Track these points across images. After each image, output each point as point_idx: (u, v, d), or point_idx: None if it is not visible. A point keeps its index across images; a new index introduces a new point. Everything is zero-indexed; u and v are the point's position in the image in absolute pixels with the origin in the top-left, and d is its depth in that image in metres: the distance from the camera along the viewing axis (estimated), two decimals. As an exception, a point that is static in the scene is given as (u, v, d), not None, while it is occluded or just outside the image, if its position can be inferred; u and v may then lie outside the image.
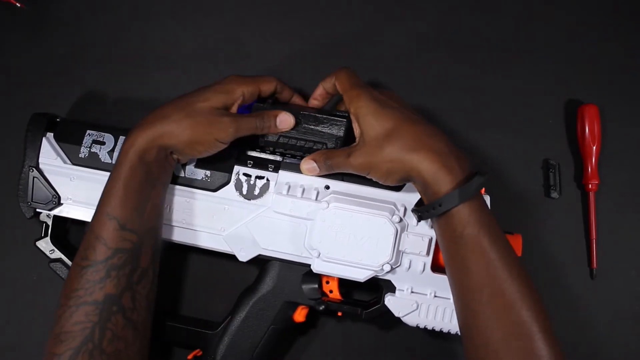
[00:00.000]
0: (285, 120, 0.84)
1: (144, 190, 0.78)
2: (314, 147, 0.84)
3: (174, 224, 0.86)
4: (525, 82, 0.99)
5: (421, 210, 0.76)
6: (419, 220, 0.80)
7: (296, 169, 0.84)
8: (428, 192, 0.75)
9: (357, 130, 0.79)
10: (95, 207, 0.79)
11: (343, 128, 0.83)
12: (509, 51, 1.00)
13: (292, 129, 0.84)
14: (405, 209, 0.83)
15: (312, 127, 0.84)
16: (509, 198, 0.96)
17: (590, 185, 0.95)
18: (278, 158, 0.87)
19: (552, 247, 0.96)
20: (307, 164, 0.83)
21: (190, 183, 0.85)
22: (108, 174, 0.79)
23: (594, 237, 0.95)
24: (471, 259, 0.73)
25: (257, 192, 0.85)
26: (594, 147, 0.95)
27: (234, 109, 0.82)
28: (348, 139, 0.83)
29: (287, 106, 0.86)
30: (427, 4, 1.01)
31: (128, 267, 0.76)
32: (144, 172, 0.78)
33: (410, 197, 0.83)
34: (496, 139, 0.98)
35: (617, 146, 0.98)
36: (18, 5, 1.00)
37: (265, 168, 0.85)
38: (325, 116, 0.84)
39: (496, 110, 0.99)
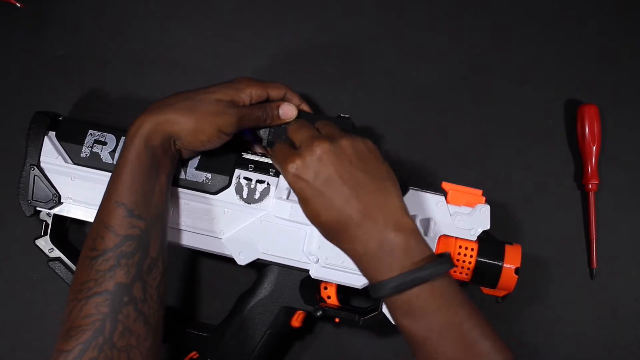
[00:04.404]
0: (288, 112, 0.85)
1: (150, 175, 0.78)
2: None
3: (173, 226, 0.85)
4: (525, 82, 0.99)
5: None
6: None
7: None
8: None
9: None
10: (95, 207, 0.79)
11: (349, 130, 0.82)
12: (509, 51, 1.00)
13: None
14: None
15: None
16: (508, 198, 0.96)
17: (590, 185, 0.95)
18: None
19: (552, 247, 0.96)
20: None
21: (191, 185, 0.85)
22: (109, 174, 0.79)
23: (594, 237, 0.95)
24: (412, 346, 0.73)
25: (257, 196, 0.84)
26: (594, 147, 0.95)
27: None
28: None
29: None
30: (427, 3, 1.01)
31: (137, 255, 0.75)
32: (150, 157, 0.78)
33: (411, 207, 0.82)
34: (496, 139, 0.98)
35: (617, 146, 0.98)
36: (18, 5, 1.00)
37: (266, 172, 0.85)
38: (329, 118, 0.85)
39: (496, 110, 0.99)
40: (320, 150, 0.73)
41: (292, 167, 0.74)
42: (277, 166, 0.77)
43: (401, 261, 0.71)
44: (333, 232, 0.74)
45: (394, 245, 0.71)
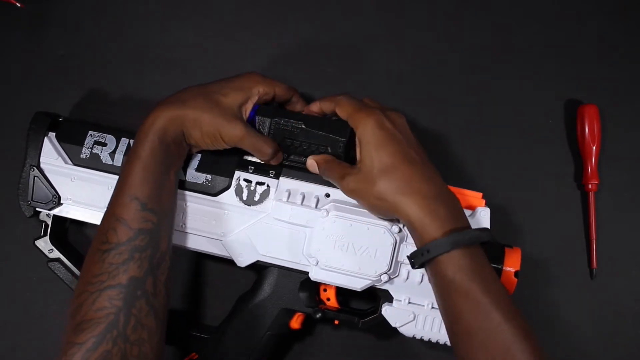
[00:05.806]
0: (278, 160, 0.85)
1: (162, 170, 0.78)
2: (318, 151, 0.84)
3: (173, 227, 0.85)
4: (525, 82, 0.99)
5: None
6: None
7: (297, 175, 0.84)
8: (415, 235, 0.75)
9: (358, 155, 0.79)
10: (94, 208, 0.79)
11: (347, 132, 0.82)
12: (509, 51, 1.00)
13: (297, 132, 0.84)
14: None
15: (316, 131, 0.83)
16: (508, 198, 0.96)
17: (590, 185, 0.95)
18: None
19: (552, 247, 0.96)
20: (310, 160, 0.83)
21: (191, 187, 0.85)
22: (108, 175, 0.80)
23: (594, 237, 0.95)
24: (462, 304, 0.72)
25: (257, 198, 0.84)
26: (594, 147, 0.95)
27: (249, 106, 0.83)
28: (351, 143, 0.82)
29: (291, 113, 0.87)
30: (427, 3, 1.01)
31: (150, 249, 0.76)
32: (163, 152, 0.78)
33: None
34: (496, 139, 0.98)
35: (617, 146, 0.98)
36: (18, 5, 1.00)
37: (266, 174, 0.85)
38: (330, 119, 0.85)
39: (496, 110, 0.99)
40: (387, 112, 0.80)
41: (373, 117, 0.78)
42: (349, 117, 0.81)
43: (461, 221, 0.75)
44: (416, 176, 0.75)
45: (456, 205, 0.76)
